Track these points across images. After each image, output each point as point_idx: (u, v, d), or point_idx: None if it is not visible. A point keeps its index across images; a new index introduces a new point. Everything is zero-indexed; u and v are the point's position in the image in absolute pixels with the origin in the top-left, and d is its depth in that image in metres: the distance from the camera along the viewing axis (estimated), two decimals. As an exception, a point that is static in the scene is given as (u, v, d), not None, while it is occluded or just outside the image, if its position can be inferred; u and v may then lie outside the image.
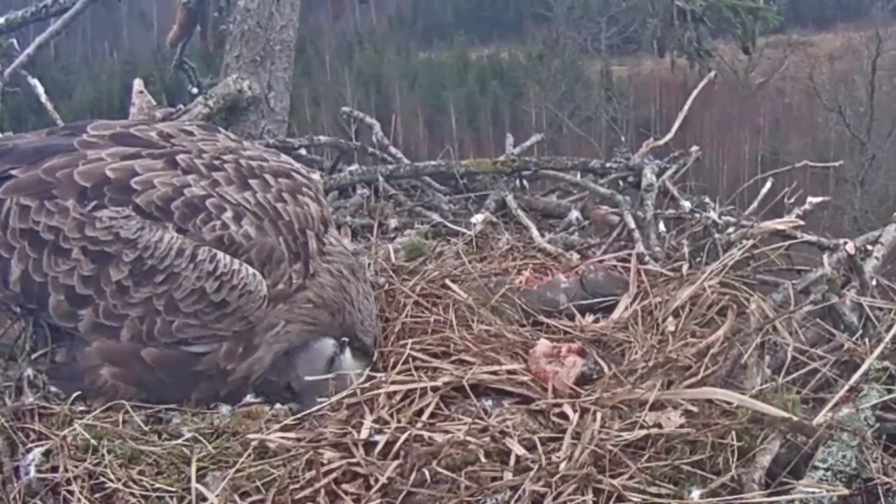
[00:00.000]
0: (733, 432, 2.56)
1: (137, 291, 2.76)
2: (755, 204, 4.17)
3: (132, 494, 2.44)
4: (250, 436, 2.62)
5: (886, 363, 2.89)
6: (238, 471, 2.48)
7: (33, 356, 2.93)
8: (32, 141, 3.02)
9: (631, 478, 2.46)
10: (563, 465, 2.47)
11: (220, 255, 2.77)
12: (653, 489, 2.44)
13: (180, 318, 2.77)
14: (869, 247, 3.58)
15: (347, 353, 3.04)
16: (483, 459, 2.51)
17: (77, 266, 2.77)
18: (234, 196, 2.84)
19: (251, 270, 2.80)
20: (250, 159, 2.98)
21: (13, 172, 2.85)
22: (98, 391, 2.82)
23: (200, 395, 2.86)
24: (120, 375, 2.81)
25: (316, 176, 3.28)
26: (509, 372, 2.91)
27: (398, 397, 2.76)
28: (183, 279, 2.75)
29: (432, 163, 4.60)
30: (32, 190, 2.81)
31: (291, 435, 2.64)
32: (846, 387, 2.77)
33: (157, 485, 2.46)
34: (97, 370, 2.81)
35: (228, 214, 2.81)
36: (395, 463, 2.49)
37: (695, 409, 2.69)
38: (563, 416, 2.74)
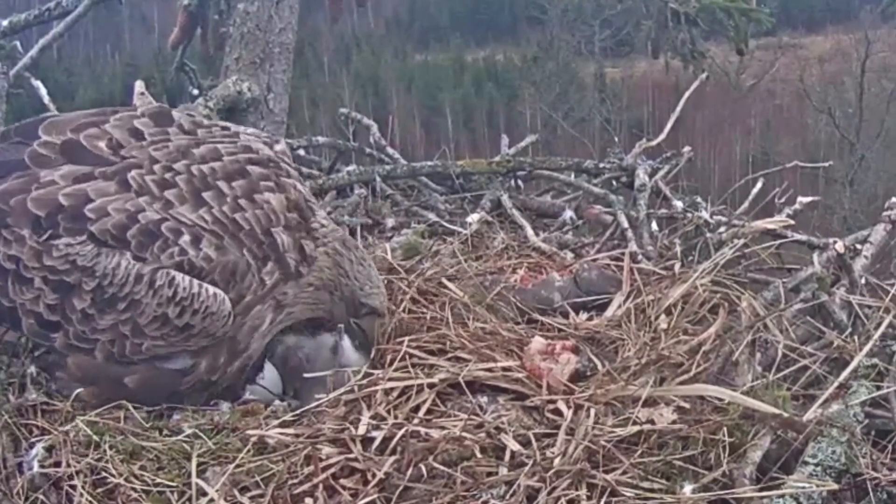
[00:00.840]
0: (725, 428, 2.59)
1: (102, 318, 2.74)
2: (746, 204, 4.21)
3: (133, 489, 2.47)
4: (250, 432, 2.65)
5: (875, 360, 2.92)
6: (238, 466, 2.51)
7: (36, 353, 2.94)
8: None
9: (624, 473, 2.49)
10: (557, 461, 2.50)
11: (179, 278, 2.71)
12: (645, 484, 2.47)
13: (148, 340, 2.76)
14: (858, 246, 3.61)
15: (346, 339, 3.07)
16: (479, 455, 2.54)
17: (41, 294, 2.74)
18: (189, 217, 2.75)
19: (212, 291, 2.74)
20: (202, 163, 2.85)
21: None
22: (85, 402, 2.82)
23: (191, 402, 2.85)
24: (97, 394, 2.80)
25: (280, 146, 3.11)
26: (504, 369, 2.93)
27: (395, 394, 2.79)
28: (145, 306, 2.71)
29: (429, 163, 4.63)
30: None
31: (290, 431, 2.67)
32: (836, 383, 2.79)
33: (159, 480, 2.49)
34: (75, 389, 2.80)
35: (186, 238, 2.73)
36: (393, 458, 2.51)
37: (687, 405, 2.72)
38: (558, 412, 2.77)
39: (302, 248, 2.93)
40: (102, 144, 2.86)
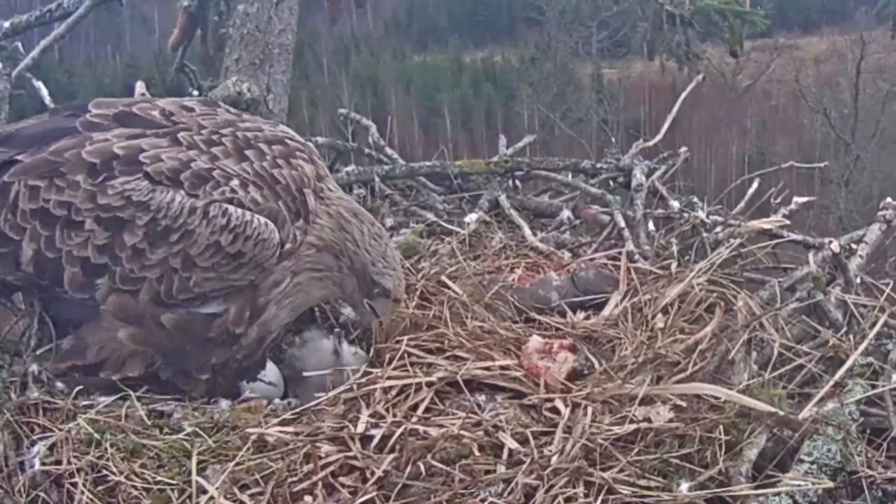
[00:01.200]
0: (721, 426, 2.61)
1: (153, 253, 2.79)
2: (742, 203, 4.21)
3: (134, 487, 2.48)
4: (249, 430, 2.66)
5: (870, 359, 2.94)
6: (238, 464, 2.52)
7: (38, 352, 2.95)
8: (34, 125, 3.03)
9: (621, 471, 2.50)
10: (554, 459, 2.51)
11: (232, 208, 2.81)
12: (642, 482, 2.48)
13: (198, 273, 2.81)
14: (853, 245, 3.63)
15: (345, 344, 3.10)
16: (476, 453, 2.56)
17: (91, 236, 2.79)
18: (233, 168, 2.89)
19: (263, 220, 2.84)
20: (247, 131, 3.01)
21: (19, 157, 2.87)
22: (112, 360, 2.85)
23: (218, 359, 2.92)
24: (137, 337, 2.84)
25: (311, 144, 3.26)
26: (502, 367, 2.95)
27: (394, 392, 2.79)
28: (198, 236, 2.78)
29: (427, 163, 4.64)
30: (41, 171, 2.83)
31: (290, 429, 2.68)
32: (831, 382, 2.81)
33: (159, 478, 2.51)
34: (114, 335, 2.84)
35: (235, 182, 2.86)
36: (391, 456, 2.52)
37: (683, 403, 2.73)
38: (555, 410, 2.78)
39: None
40: (155, 113, 3.00)
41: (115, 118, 2.96)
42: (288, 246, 2.91)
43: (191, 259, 2.79)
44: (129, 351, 2.85)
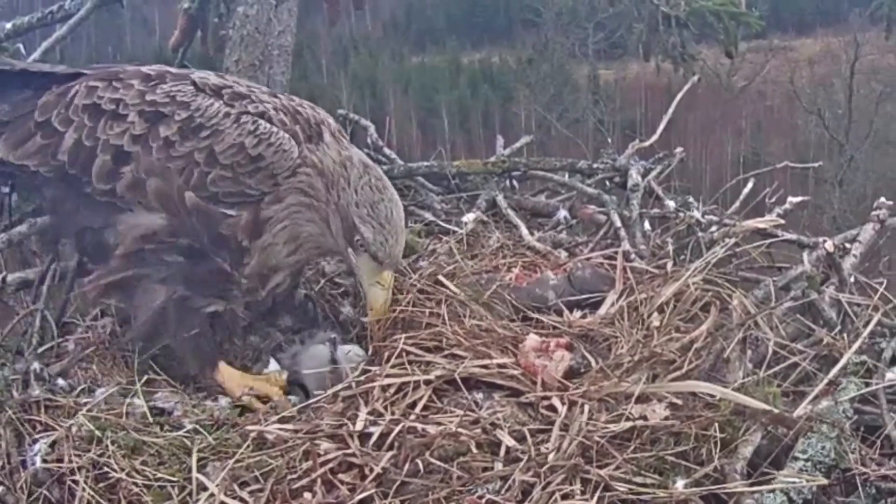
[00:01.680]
0: (716, 424, 2.61)
1: (182, 146, 2.99)
2: (737, 203, 4.21)
3: (135, 484, 2.49)
4: (249, 427, 2.67)
5: (864, 357, 2.95)
6: (237, 461, 2.53)
7: (40, 350, 2.98)
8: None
9: (617, 468, 2.51)
10: (551, 456, 2.52)
11: (262, 120, 3.05)
12: (638, 479, 2.48)
13: (217, 170, 2.99)
14: (847, 245, 3.64)
15: (340, 350, 3.12)
16: (474, 450, 2.56)
17: (130, 127, 3.02)
18: (266, 98, 3.17)
19: (287, 136, 3.06)
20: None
21: (86, 72, 3.22)
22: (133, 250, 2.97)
23: (229, 268, 3.02)
24: (160, 191, 2.98)
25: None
26: (500, 366, 2.95)
27: (392, 390, 2.80)
28: (226, 135, 3.00)
29: (425, 163, 4.63)
30: (102, 76, 3.16)
31: (289, 426, 2.69)
32: (825, 380, 2.82)
33: (160, 475, 2.52)
34: (143, 183, 2.98)
35: (269, 105, 3.12)
36: (390, 454, 2.53)
37: (679, 401, 2.73)
38: (552, 408, 2.78)
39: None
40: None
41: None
42: (298, 162, 3.06)
43: (214, 155, 2.99)
44: (154, 227, 2.98)
